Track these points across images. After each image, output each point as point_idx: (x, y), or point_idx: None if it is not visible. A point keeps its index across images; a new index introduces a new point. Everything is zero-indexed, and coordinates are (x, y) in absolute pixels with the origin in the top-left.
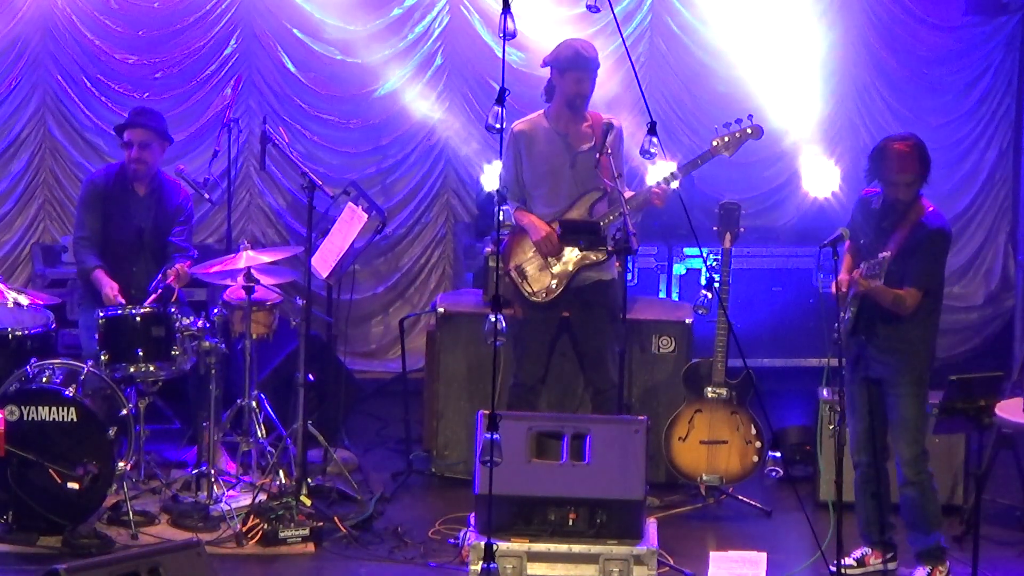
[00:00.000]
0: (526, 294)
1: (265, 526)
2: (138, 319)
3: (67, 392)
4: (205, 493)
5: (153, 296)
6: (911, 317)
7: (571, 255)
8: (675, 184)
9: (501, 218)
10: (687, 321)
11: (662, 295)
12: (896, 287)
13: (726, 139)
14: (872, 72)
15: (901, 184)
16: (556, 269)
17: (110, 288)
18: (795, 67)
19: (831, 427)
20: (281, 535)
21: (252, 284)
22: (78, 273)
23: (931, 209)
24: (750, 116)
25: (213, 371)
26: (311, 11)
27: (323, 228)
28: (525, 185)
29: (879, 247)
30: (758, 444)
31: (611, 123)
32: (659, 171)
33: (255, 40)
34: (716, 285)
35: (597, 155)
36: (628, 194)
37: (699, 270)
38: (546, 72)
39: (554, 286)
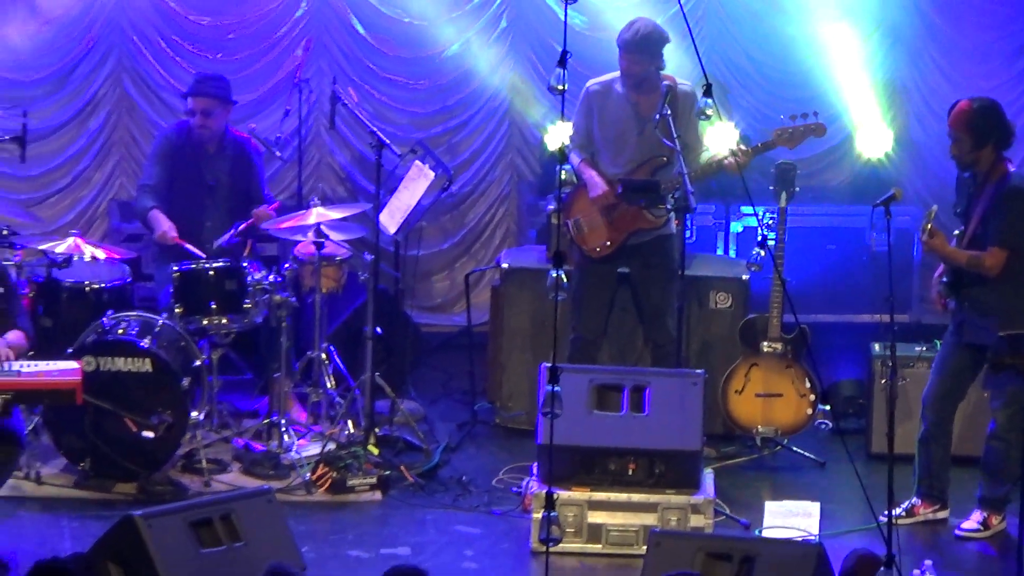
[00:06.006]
0: (583, 248)
1: (334, 474)
2: (211, 273)
3: (142, 343)
4: (276, 442)
5: (228, 234)
6: (1000, 278)
7: (627, 213)
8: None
9: (563, 176)
10: (744, 278)
11: (719, 252)
12: (983, 250)
13: (790, 131)
14: (924, 37)
15: (951, 140)
16: (613, 225)
17: (167, 227)
18: (851, 31)
19: (883, 381)
20: (349, 483)
21: (322, 240)
22: (137, 215)
23: (1011, 170)
24: (815, 113)
25: (284, 324)
26: None
27: (391, 186)
28: (594, 142)
29: (971, 212)
30: (812, 397)
31: (672, 86)
32: (718, 135)
33: (325, 3)
34: (770, 243)
35: (657, 116)
36: (704, 157)
37: (755, 228)
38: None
39: (609, 243)
